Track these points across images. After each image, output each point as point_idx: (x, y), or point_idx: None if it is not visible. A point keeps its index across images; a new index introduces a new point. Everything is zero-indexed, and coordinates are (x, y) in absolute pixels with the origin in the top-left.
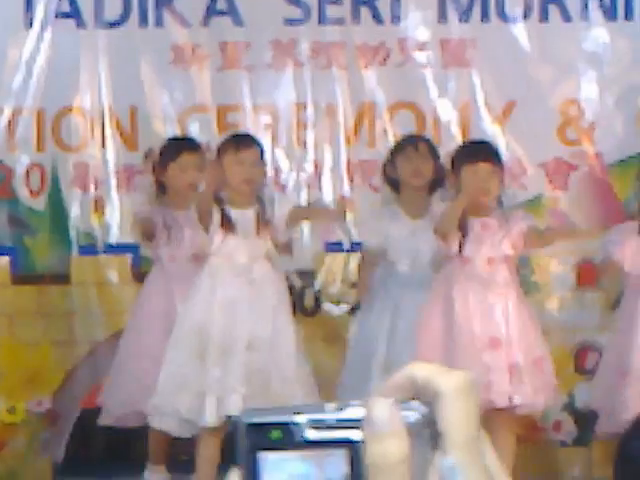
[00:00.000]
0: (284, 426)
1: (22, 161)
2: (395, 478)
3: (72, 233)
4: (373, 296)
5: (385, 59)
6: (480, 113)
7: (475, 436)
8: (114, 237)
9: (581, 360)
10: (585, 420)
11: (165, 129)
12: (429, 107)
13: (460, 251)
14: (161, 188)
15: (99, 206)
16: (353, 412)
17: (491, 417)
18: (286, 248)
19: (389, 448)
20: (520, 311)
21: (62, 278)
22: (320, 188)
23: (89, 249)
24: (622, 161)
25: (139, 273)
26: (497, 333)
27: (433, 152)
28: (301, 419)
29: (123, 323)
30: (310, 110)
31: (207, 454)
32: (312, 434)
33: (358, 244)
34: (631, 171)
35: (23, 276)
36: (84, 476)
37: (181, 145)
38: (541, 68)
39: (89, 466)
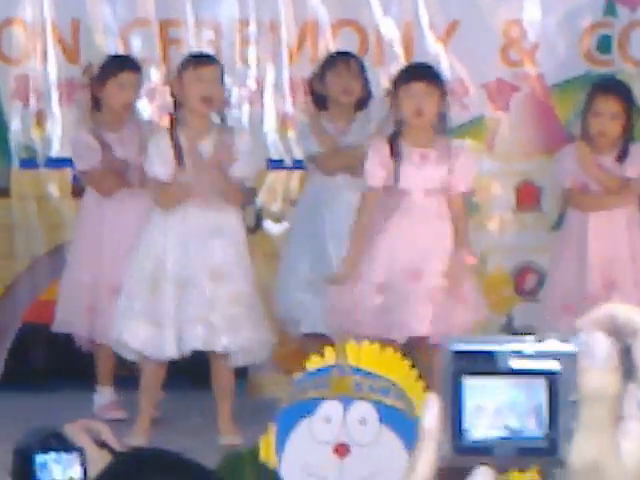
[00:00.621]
0: (489, 355)
1: None
2: (609, 410)
3: (12, 146)
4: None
5: None
6: (423, 32)
7: None
8: (55, 151)
9: (520, 281)
10: None
11: (107, 43)
12: (372, 26)
13: (395, 181)
14: (97, 105)
15: (40, 119)
16: (552, 344)
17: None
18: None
19: (608, 382)
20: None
21: (2, 192)
22: (262, 105)
23: (29, 163)
24: (564, 82)
25: (79, 187)
26: (421, 264)
27: (363, 70)
28: (505, 349)
29: (63, 237)
30: (253, 27)
31: (153, 384)
32: (515, 363)
33: (300, 161)
34: (572, 92)
35: None
36: (23, 391)
37: (123, 63)
38: None
39: (28, 381)
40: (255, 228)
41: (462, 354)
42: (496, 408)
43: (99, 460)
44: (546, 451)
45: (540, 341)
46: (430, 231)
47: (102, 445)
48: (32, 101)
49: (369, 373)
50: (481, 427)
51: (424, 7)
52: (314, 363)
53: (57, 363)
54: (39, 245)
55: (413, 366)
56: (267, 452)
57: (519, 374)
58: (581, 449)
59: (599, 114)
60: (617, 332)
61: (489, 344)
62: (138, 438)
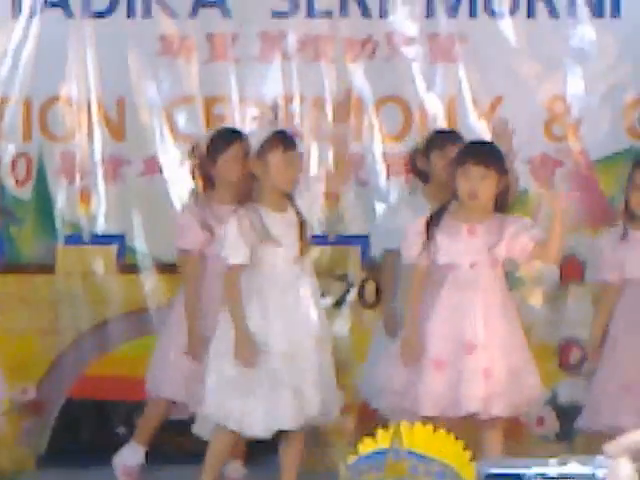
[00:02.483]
0: (517, 477)
1: (8, 150)
2: None
3: (58, 223)
4: None
5: (373, 53)
6: (467, 108)
7: None
8: (100, 227)
9: (565, 355)
10: (568, 415)
11: (152, 120)
12: (416, 101)
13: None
14: (209, 183)
15: (85, 196)
16: (573, 467)
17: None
18: None
19: None
20: (501, 316)
21: (47, 268)
22: (309, 183)
23: (75, 239)
24: (608, 157)
25: (124, 264)
26: (473, 338)
27: None
28: (531, 472)
29: (107, 313)
30: (297, 103)
31: (221, 449)
32: None
33: (346, 237)
34: (616, 167)
35: (8, 265)
36: (67, 467)
37: (230, 136)
38: (528, 64)
39: (72, 457)
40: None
41: (494, 477)
42: None
43: None
44: None
45: (563, 464)
46: (480, 302)
47: None
48: (77, 178)
49: (424, 456)
50: None
51: (467, 82)
52: (368, 446)
53: (102, 439)
54: (84, 321)
55: (465, 447)
56: None
57: None
58: None
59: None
60: None
61: (518, 467)
62: None
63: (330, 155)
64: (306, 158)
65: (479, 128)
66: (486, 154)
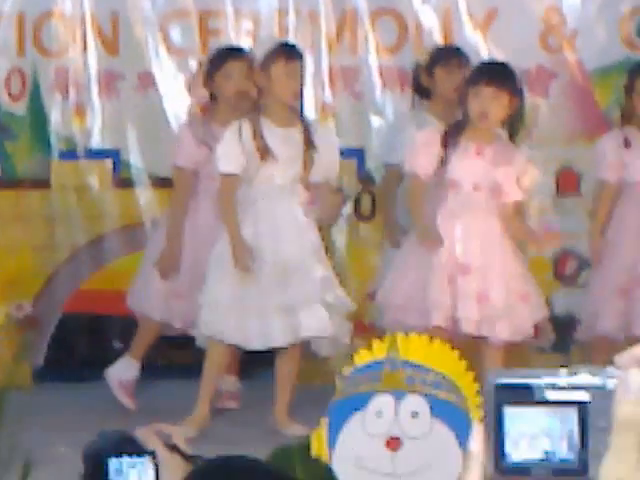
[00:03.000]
0: (527, 387)
1: (2, 66)
2: (638, 436)
3: (53, 138)
4: None
5: None
6: (462, 20)
7: None
8: (95, 142)
9: (560, 266)
10: (563, 326)
11: (146, 34)
12: (411, 14)
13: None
14: (213, 99)
15: (80, 111)
16: (583, 377)
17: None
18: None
19: (639, 412)
20: (498, 244)
21: (42, 183)
22: (301, 94)
23: (69, 154)
24: (604, 68)
25: (119, 178)
26: (467, 261)
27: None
28: (541, 382)
29: (103, 228)
30: (292, 17)
31: (218, 362)
32: (550, 394)
33: (342, 150)
34: (612, 79)
35: (3, 181)
36: (63, 381)
37: (225, 53)
38: None
39: (68, 371)
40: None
41: (503, 387)
42: (533, 434)
43: (170, 464)
44: (578, 472)
45: (573, 374)
46: (479, 226)
47: (172, 448)
48: (72, 93)
49: (420, 366)
50: (520, 451)
51: None
52: (364, 357)
53: (98, 353)
54: (79, 236)
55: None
56: (319, 446)
57: (553, 404)
58: (610, 470)
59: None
60: None
61: (527, 377)
62: (192, 427)
63: (324, 68)
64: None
65: (475, 40)
66: (499, 74)
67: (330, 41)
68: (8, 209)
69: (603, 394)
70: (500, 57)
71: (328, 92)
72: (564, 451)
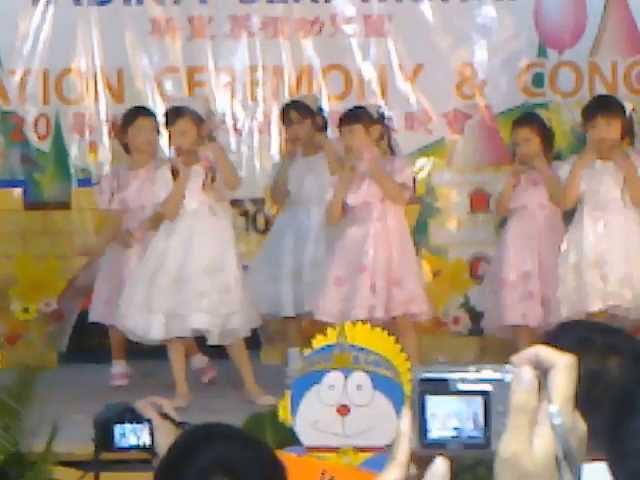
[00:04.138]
0: (444, 380)
1: (31, 112)
2: (530, 419)
3: (72, 169)
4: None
5: (320, 31)
6: (395, 74)
7: (571, 397)
8: (105, 172)
9: (474, 268)
10: (477, 316)
11: (145, 86)
12: (355, 69)
13: None
14: (126, 149)
15: (93, 148)
16: (487, 373)
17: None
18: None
19: (530, 399)
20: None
21: (64, 205)
22: (269, 133)
23: (86, 182)
24: (507, 111)
25: None
26: (363, 261)
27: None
28: (454, 376)
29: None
30: (260, 72)
31: (176, 349)
32: (461, 386)
33: None
34: (513, 119)
35: (33, 204)
36: (82, 362)
37: (136, 112)
38: (443, 37)
39: (87, 354)
40: (265, 230)
41: (426, 380)
42: (447, 415)
43: (163, 429)
44: (483, 446)
45: (478, 371)
46: (373, 234)
47: (165, 416)
48: (87, 133)
49: (363, 349)
50: (438, 429)
51: (395, 53)
52: (320, 341)
53: (109, 341)
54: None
55: (396, 341)
56: (284, 413)
57: (464, 393)
58: (507, 444)
59: (517, 143)
60: (539, 366)
61: (444, 373)
62: (179, 401)
63: None
64: (267, 118)
65: (405, 89)
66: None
67: (291, 90)
68: (37, 226)
69: (502, 385)
70: (425, 103)
71: None
72: (471, 430)
